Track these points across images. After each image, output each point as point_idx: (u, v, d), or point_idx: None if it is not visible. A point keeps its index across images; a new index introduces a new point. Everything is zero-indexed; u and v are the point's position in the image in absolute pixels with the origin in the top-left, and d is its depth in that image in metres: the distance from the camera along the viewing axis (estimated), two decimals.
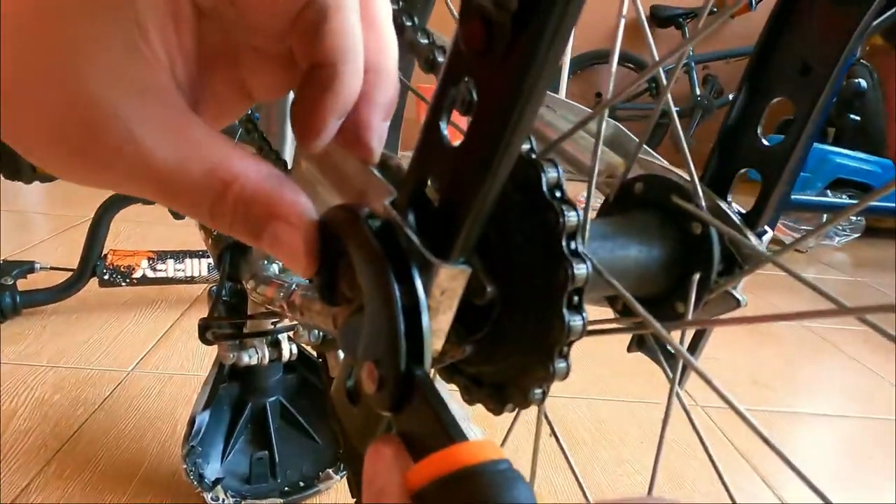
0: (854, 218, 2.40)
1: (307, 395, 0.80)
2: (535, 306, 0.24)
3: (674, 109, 0.34)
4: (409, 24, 0.30)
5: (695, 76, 3.18)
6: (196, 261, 1.23)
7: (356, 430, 0.24)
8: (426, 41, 0.30)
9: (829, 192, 2.42)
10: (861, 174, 2.49)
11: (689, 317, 0.32)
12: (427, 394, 0.18)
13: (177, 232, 1.47)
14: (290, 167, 0.39)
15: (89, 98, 0.18)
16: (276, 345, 0.71)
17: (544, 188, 0.24)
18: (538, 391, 0.26)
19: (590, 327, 0.26)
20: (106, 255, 1.18)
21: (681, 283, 0.32)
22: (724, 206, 0.33)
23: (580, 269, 0.23)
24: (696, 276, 0.31)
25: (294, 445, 0.77)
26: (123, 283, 1.18)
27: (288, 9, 0.21)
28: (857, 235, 2.38)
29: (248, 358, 0.70)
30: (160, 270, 1.20)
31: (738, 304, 0.34)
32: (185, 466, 0.69)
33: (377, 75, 0.24)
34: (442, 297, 0.23)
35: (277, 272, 0.62)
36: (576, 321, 0.24)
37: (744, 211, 0.34)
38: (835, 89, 0.32)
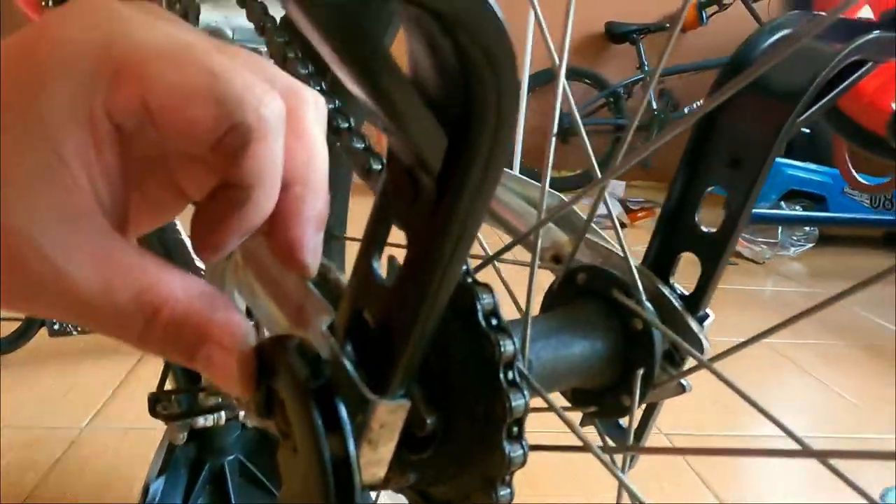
0: (808, 228, 2.46)
1: (267, 450, 0.79)
2: (476, 434, 0.24)
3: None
4: (344, 126, 0.30)
5: (651, 91, 3.25)
6: None
7: None
8: (361, 146, 0.29)
9: (783, 203, 2.49)
10: (813, 185, 2.56)
11: (636, 406, 0.32)
12: None
13: None
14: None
15: (8, 230, 0.18)
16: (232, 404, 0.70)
17: (480, 317, 0.24)
18: None
19: (536, 441, 0.26)
20: None
21: (625, 376, 0.32)
22: (665, 290, 0.33)
23: (518, 402, 0.23)
24: (640, 372, 0.31)
25: None
26: (75, 332, 1.14)
27: (210, 135, 0.20)
28: (811, 245, 2.45)
29: (205, 420, 0.68)
30: None
31: (682, 389, 0.34)
32: None
33: (305, 188, 0.23)
34: (382, 429, 0.22)
35: None
36: (516, 452, 0.23)
37: (686, 293, 0.34)
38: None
